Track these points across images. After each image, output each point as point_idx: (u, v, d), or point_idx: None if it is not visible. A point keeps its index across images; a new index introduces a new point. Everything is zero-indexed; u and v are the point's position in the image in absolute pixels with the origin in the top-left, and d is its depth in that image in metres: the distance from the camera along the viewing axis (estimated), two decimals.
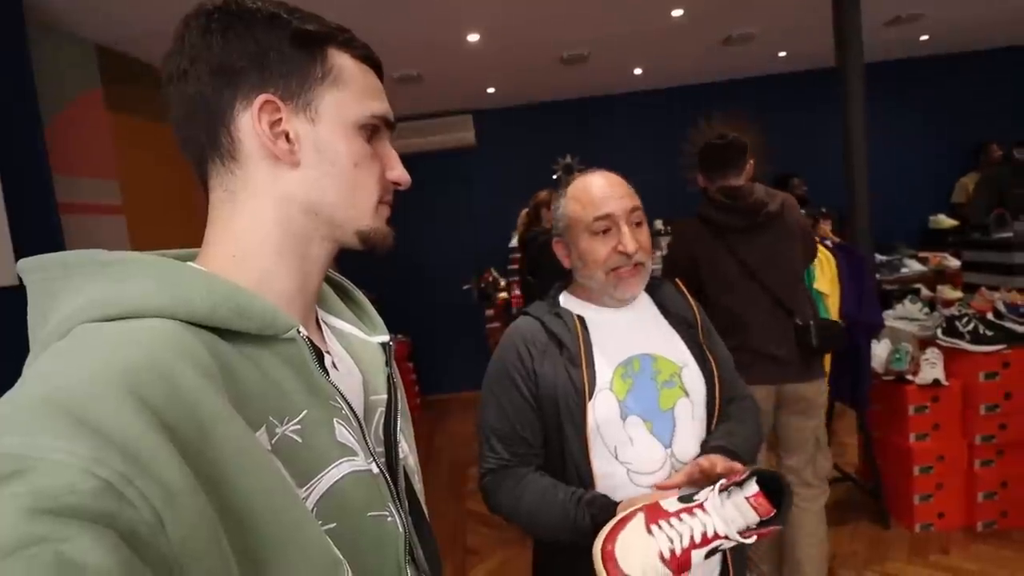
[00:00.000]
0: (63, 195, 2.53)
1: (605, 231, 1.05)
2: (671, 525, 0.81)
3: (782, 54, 4.51)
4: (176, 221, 2.96)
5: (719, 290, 1.85)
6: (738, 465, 0.91)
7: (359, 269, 5.51)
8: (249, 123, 0.51)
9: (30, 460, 0.31)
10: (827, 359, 2.39)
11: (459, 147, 5.09)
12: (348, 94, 0.54)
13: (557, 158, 5.17)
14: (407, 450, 0.63)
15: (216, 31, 0.50)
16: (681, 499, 0.85)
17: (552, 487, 1.00)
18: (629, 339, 1.08)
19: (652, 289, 1.17)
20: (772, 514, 0.79)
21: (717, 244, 1.88)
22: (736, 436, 1.05)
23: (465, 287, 5.19)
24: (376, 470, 0.53)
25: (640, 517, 0.83)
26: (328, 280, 0.67)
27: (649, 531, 0.81)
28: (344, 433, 0.51)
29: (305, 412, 0.48)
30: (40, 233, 2.33)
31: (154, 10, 2.50)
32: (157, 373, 0.38)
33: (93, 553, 0.29)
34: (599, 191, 1.07)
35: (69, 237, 2.51)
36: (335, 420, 0.50)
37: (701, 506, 0.82)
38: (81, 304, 0.43)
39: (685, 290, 1.19)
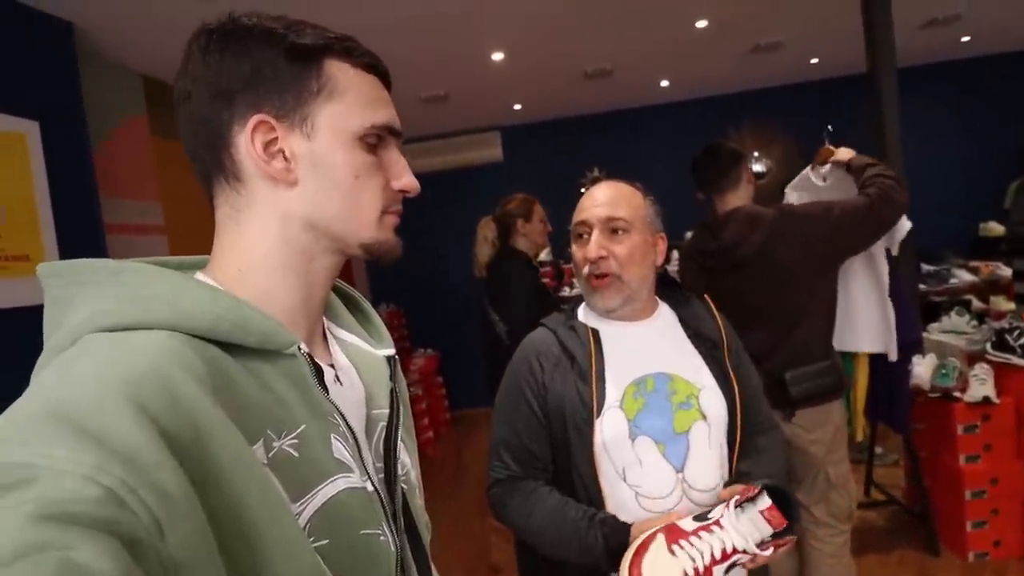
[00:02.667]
0: (109, 216, 2.67)
1: (581, 237, 1.08)
2: (691, 544, 0.84)
3: (814, 61, 4.40)
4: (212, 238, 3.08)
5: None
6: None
7: (388, 284, 5.60)
8: (245, 142, 0.51)
9: (34, 469, 0.32)
10: (864, 378, 2.28)
11: (487, 163, 5.13)
12: (346, 106, 0.53)
13: (585, 172, 5.15)
14: (408, 465, 0.62)
15: (214, 52, 0.51)
16: (696, 518, 0.88)
17: (563, 505, 0.98)
18: (645, 356, 1.05)
19: (677, 305, 1.14)
20: (785, 525, 0.83)
21: (700, 279, 1.76)
22: (761, 467, 1.03)
23: None
24: (371, 487, 0.52)
25: (660, 539, 0.86)
26: (337, 291, 0.67)
27: (671, 551, 0.84)
28: (341, 449, 0.51)
29: (304, 427, 0.48)
30: (87, 253, 2.45)
31: None
32: (158, 383, 0.39)
33: (97, 560, 0.30)
34: (588, 198, 1.09)
35: (114, 257, 2.63)
36: (332, 436, 0.50)
37: (718, 523, 0.85)
38: (90, 313, 0.44)
39: (713, 307, 1.15)
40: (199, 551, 0.36)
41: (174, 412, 0.38)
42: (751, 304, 1.67)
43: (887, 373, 2.29)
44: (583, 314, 1.12)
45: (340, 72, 0.53)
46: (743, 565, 0.88)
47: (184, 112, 0.53)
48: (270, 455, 0.45)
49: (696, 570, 0.82)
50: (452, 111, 4.42)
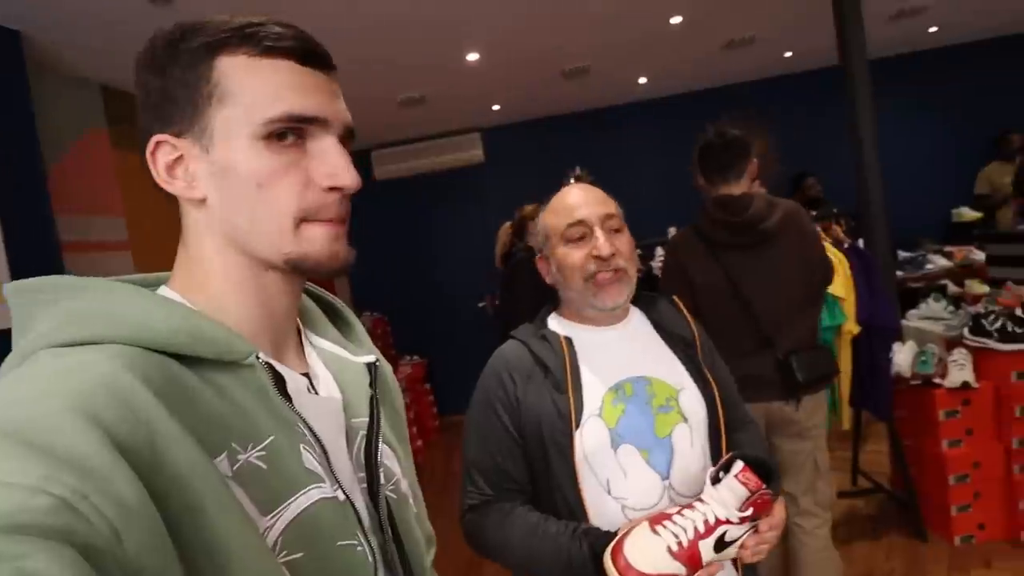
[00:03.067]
0: (69, 234, 2.59)
1: (580, 238, 1.02)
2: (674, 522, 0.83)
3: (788, 54, 4.45)
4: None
5: (707, 306, 1.71)
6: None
7: (371, 291, 5.57)
8: (151, 165, 0.50)
9: None
10: (847, 366, 2.30)
11: (468, 165, 5.11)
12: (241, 106, 0.48)
13: (567, 170, 5.15)
14: (398, 473, 0.60)
15: (141, 68, 0.50)
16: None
17: (543, 521, 0.94)
18: (621, 361, 1.02)
19: (647, 306, 1.12)
20: (762, 487, 0.82)
21: (709, 259, 1.74)
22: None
23: (480, 305, 5.18)
24: (343, 497, 0.50)
25: (644, 524, 0.85)
26: (317, 299, 0.65)
27: (655, 531, 0.83)
28: (311, 459, 0.49)
29: (272, 438, 0.47)
30: (42, 273, 2.38)
31: None
32: (109, 393, 0.38)
33: (51, 568, 0.29)
34: (572, 199, 1.05)
35: (77, 275, 2.57)
36: (301, 446, 0.49)
37: (699, 499, 0.85)
38: (44, 330, 0.44)
39: (682, 306, 1.14)
40: (160, 557, 0.35)
41: (129, 423, 0.38)
42: (769, 277, 1.71)
43: (869, 361, 2.32)
44: (554, 323, 1.10)
45: (232, 68, 0.48)
46: (737, 557, 0.86)
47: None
48: (235, 468, 0.44)
49: (680, 545, 0.80)
50: (430, 114, 4.39)
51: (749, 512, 0.81)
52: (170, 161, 0.49)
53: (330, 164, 0.49)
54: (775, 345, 1.72)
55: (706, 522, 0.81)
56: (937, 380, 2.35)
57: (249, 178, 0.48)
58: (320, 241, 0.50)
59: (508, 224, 3.16)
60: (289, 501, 0.46)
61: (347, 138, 0.52)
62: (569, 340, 1.03)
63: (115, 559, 0.33)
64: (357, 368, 0.60)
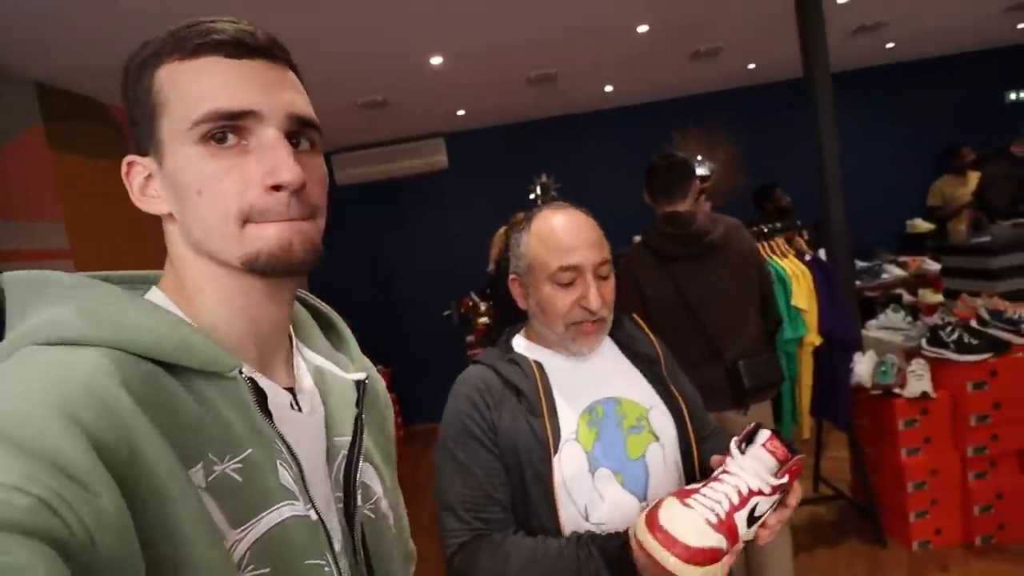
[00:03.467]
0: (5, 242, 2.41)
1: (569, 283, 0.96)
2: (705, 496, 0.77)
3: (751, 66, 4.52)
4: (128, 262, 2.82)
5: (658, 317, 1.78)
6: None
7: (333, 298, 5.42)
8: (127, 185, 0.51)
9: None
10: (808, 376, 2.32)
11: (433, 171, 5.03)
12: (176, 112, 0.47)
13: (533, 177, 5.12)
14: (378, 493, 0.59)
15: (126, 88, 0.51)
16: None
17: (540, 542, 0.88)
18: (591, 383, 0.99)
19: (612, 327, 1.08)
20: (790, 456, 0.79)
21: (659, 271, 1.86)
22: None
23: (445, 313, 5.09)
24: (315, 517, 0.50)
25: (671, 498, 0.79)
26: (312, 310, 0.65)
27: (686, 504, 0.76)
28: (286, 476, 0.49)
29: (249, 451, 0.47)
30: None
31: (94, 45, 2.42)
32: (91, 396, 0.38)
33: (29, 564, 0.30)
34: (567, 236, 0.96)
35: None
36: (278, 462, 0.49)
37: (725, 471, 0.80)
38: (31, 327, 0.44)
39: (643, 324, 1.11)
40: (130, 562, 0.36)
41: (108, 426, 0.38)
42: (715, 286, 1.84)
43: (830, 372, 2.34)
44: (520, 346, 1.05)
45: (168, 75, 0.47)
46: (754, 538, 0.81)
47: None
48: (209, 479, 0.44)
49: (719, 518, 0.74)
50: (393, 118, 4.29)
51: (784, 480, 0.77)
52: (142, 181, 0.51)
53: (267, 160, 0.46)
54: (723, 354, 1.83)
55: (739, 492, 0.76)
56: (897, 390, 2.38)
57: (191, 185, 0.47)
58: (268, 235, 0.48)
59: (503, 229, 3.25)
60: (260, 516, 0.46)
61: (301, 129, 0.50)
62: (539, 364, 0.99)
63: (89, 562, 0.33)
64: (346, 385, 0.59)
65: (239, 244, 0.48)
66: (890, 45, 4.53)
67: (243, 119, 0.46)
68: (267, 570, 0.45)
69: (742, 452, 0.80)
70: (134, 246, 2.85)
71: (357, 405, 0.57)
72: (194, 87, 0.46)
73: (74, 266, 2.77)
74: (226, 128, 0.46)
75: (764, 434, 0.80)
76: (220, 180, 0.46)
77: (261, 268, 0.48)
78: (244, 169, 0.47)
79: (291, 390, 0.55)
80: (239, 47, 0.47)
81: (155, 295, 0.52)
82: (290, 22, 2.56)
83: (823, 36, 2.56)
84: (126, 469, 0.38)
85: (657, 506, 0.79)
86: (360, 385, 0.59)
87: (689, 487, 0.81)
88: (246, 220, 0.47)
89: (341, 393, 0.58)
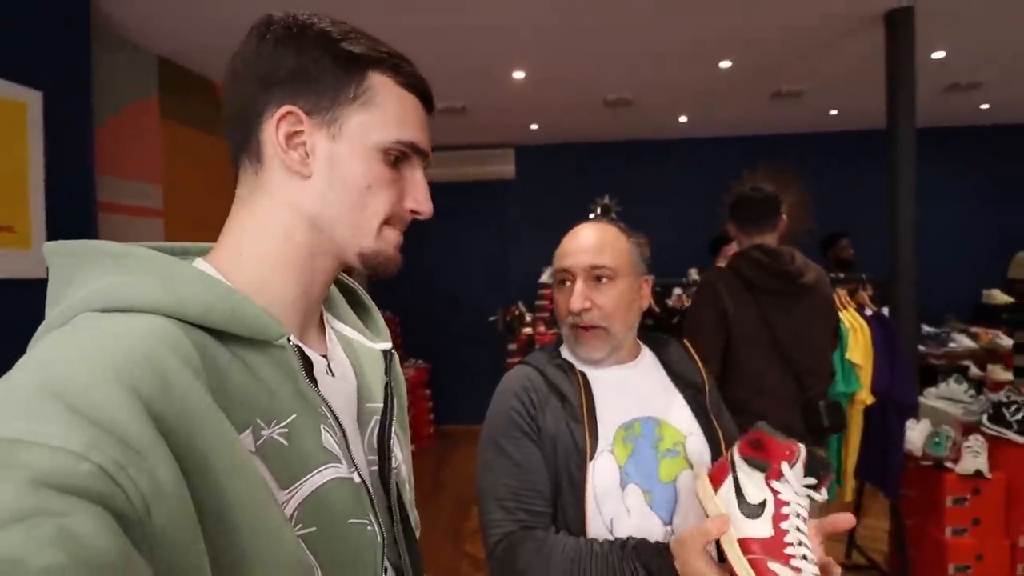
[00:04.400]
0: (107, 195, 2.63)
1: (562, 283, 1.04)
2: (794, 548, 0.74)
3: (833, 112, 4.42)
4: (213, 228, 3.05)
5: (744, 349, 1.75)
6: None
7: (386, 289, 5.60)
8: (270, 127, 0.53)
9: (28, 445, 0.32)
10: (857, 436, 2.24)
11: (498, 179, 5.13)
12: (378, 117, 0.54)
13: (596, 197, 5.15)
14: (400, 459, 0.63)
15: (269, 41, 0.53)
16: (744, 511, 0.78)
17: (586, 542, 0.89)
18: (632, 400, 1.00)
19: (658, 349, 1.10)
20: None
21: (746, 296, 1.79)
22: None
23: (491, 319, 5.16)
24: (358, 479, 0.53)
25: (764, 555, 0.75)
26: (338, 283, 0.68)
27: (792, 567, 0.73)
28: (330, 440, 0.52)
29: (294, 416, 0.49)
30: (76, 229, 2.41)
31: (215, 26, 2.63)
32: (150, 367, 0.39)
33: (91, 530, 0.31)
34: (570, 242, 1.04)
35: (107, 236, 2.60)
36: (322, 426, 0.51)
37: (784, 504, 0.75)
38: (87, 294, 0.45)
39: (693, 352, 1.11)
40: (183, 533, 0.36)
41: (165, 396, 0.39)
42: (803, 326, 1.81)
43: (881, 434, 2.25)
44: (567, 354, 1.07)
45: (381, 85, 0.55)
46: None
47: (228, 91, 0.55)
48: (258, 443, 0.46)
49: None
50: (468, 124, 4.42)
51: (822, 496, 0.76)
52: (290, 132, 0.53)
53: (418, 192, 0.58)
54: (804, 389, 1.80)
55: (804, 520, 0.75)
56: (949, 464, 2.27)
57: (361, 177, 0.54)
58: (393, 243, 0.58)
59: None
60: (306, 477, 0.49)
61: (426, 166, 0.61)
62: (583, 373, 1.02)
63: (143, 532, 0.34)
64: (374, 354, 0.63)
65: (374, 239, 0.56)
66: (984, 106, 4.34)
67: (416, 154, 0.58)
68: (313, 529, 0.48)
69: (789, 473, 0.76)
70: (220, 214, 3.08)
71: (386, 373, 0.62)
72: (401, 112, 0.56)
73: (164, 223, 3.00)
74: (404, 155, 0.57)
75: (801, 450, 0.76)
76: (385, 187, 0.56)
77: (369, 263, 0.57)
78: (399, 188, 0.57)
79: (324, 357, 0.58)
80: (426, 99, 0.59)
81: (201, 265, 0.53)
82: (384, 23, 2.71)
83: (913, 90, 2.50)
84: (180, 438, 0.38)
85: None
86: (387, 355, 0.64)
87: (752, 532, 0.76)
88: (385, 223, 0.57)
89: (370, 362, 0.62)
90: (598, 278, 1.01)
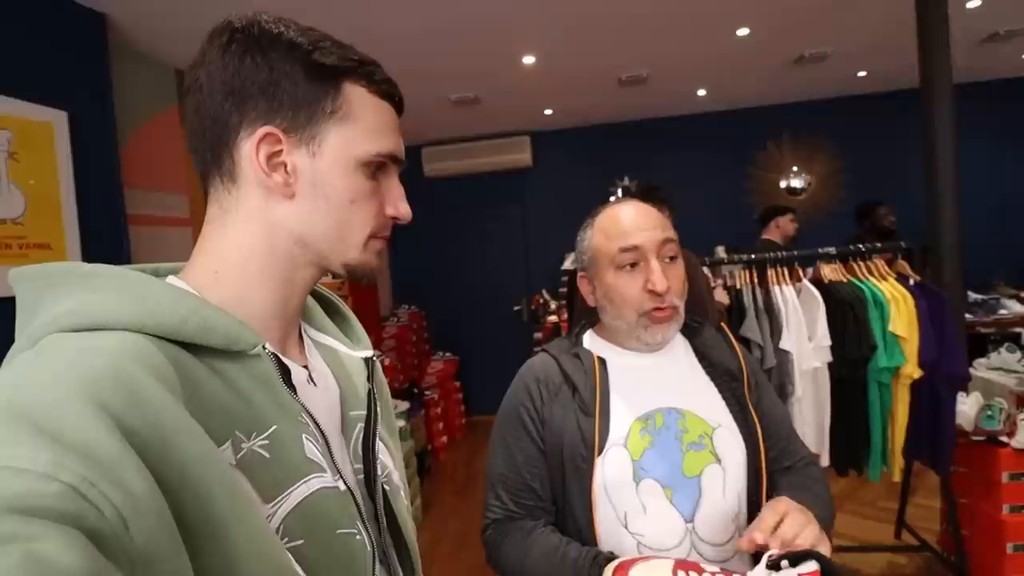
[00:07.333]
0: (134, 207, 2.69)
1: (632, 265, 0.94)
2: None
3: (862, 74, 4.21)
4: None
5: None
6: (809, 538, 0.74)
7: (410, 285, 5.60)
8: (250, 150, 0.51)
9: None
10: (904, 412, 2.13)
11: (515, 168, 5.07)
12: (356, 130, 0.54)
13: (615, 179, 5.04)
14: (390, 466, 0.62)
15: (235, 53, 0.51)
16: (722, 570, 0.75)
17: (564, 544, 0.89)
18: (655, 389, 0.96)
19: (691, 334, 1.04)
20: None
21: None
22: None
23: (516, 308, 5.13)
24: (343, 487, 0.52)
25: (668, 562, 0.76)
26: (314, 294, 0.67)
27: (675, 575, 0.73)
28: (313, 449, 0.51)
29: (275, 427, 0.48)
30: (109, 243, 2.46)
31: None
32: (118, 381, 0.38)
33: (62, 552, 0.30)
34: (627, 220, 0.96)
35: (137, 247, 2.65)
36: (304, 436, 0.51)
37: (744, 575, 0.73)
38: (54, 315, 0.44)
39: (732, 337, 1.05)
40: (164, 544, 0.35)
41: (137, 411, 0.38)
42: None
43: (931, 409, 2.13)
44: (588, 341, 1.04)
45: (356, 96, 0.54)
46: None
47: (192, 103, 0.52)
48: (239, 456, 0.46)
49: None
50: (482, 114, 4.37)
51: None
52: (270, 153, 0.52)
53: (397, 199, 0.58)
54: None
55: None
56: (1003, 438, 2.14)
57: (344, 192, 0.54)
58: (375, 254, 0.58)
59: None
60: (291, 489, 0.48)
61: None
62: (603, 361, 0.98)
63: (122, 547, 0.33)
64: (355, 362, 0.63)
65: (360, 251, 0.56)
66: None
67: (393, 163, 0.58)
68: (301, 541, 0.47)
69: (776, 568, 0.69)
70: None
71: (369, 380, 0.61)
72: (377, 122, 0.55)
73: (192, 232, 3.06)
74: (382, 164, 0.56)
75: (810, 565, 0.67)
76: (368, 199, 0.55)
77: (355, 274, 0.57)
78: (380, 197, 0.57)
79: (305, 367, 0.57)
80: (398, 104, 0.58)
81: (174, 282, 0.53)
82: (392, 21, 2.67)
83: (946, 44, 2.34)
84: (156, 453, 0.37)
85: (648, 559, 0.76)
86: (369, 362, 0.63)
87: (704, 564, 0.75)
88: (371, 236, 0.56)
89: (351, 370, 0.62)
90: (670, 256, 0.95)
